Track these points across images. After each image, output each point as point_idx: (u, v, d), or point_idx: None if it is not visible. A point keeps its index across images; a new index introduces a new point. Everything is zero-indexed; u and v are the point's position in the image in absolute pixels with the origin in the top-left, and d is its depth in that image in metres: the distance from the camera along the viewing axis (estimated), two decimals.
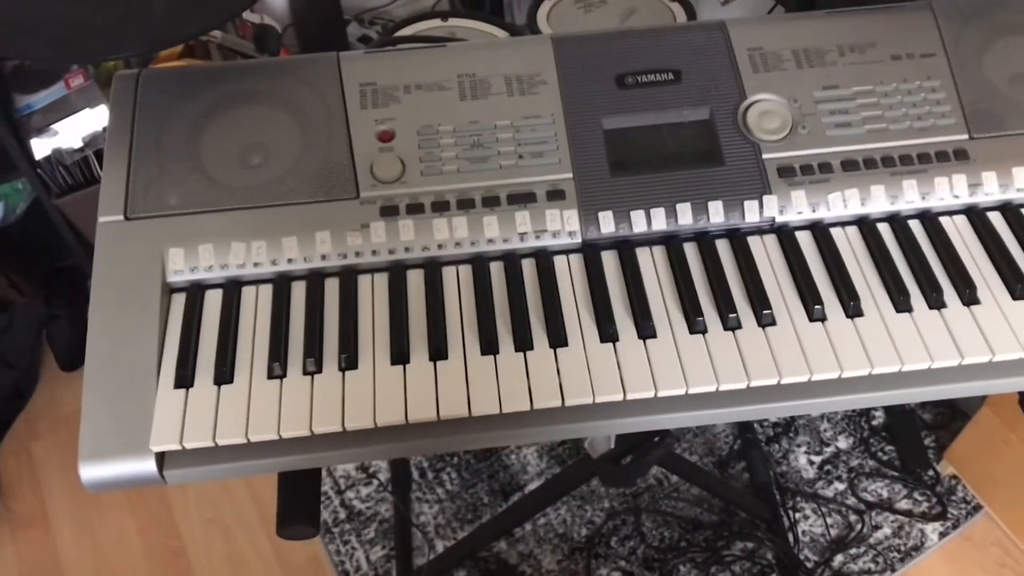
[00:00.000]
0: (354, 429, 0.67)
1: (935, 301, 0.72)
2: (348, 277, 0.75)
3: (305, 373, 0.70)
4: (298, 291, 0.74)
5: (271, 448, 0.68)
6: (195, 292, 0.74)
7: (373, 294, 0.74)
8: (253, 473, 0.69)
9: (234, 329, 0.73)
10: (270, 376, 0.70)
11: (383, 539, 1.60)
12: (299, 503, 0.72)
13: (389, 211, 0.75)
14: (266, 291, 0.75)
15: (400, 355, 0.70)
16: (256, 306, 0.74)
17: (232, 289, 0.75)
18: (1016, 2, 0.84)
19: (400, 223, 0.74)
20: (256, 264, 0.74)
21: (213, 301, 0.74)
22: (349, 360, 0.70)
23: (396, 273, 0.75)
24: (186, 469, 0.67)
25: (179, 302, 0.74)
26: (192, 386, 0.69)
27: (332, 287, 0.75)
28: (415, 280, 0.75)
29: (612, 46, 0.82)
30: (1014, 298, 0.72)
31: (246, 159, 0.77)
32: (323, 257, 0.74)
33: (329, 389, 0.69)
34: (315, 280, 0.75)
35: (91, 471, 0.66)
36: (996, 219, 0.77)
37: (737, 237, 0.76)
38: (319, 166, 0.77)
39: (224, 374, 0.70)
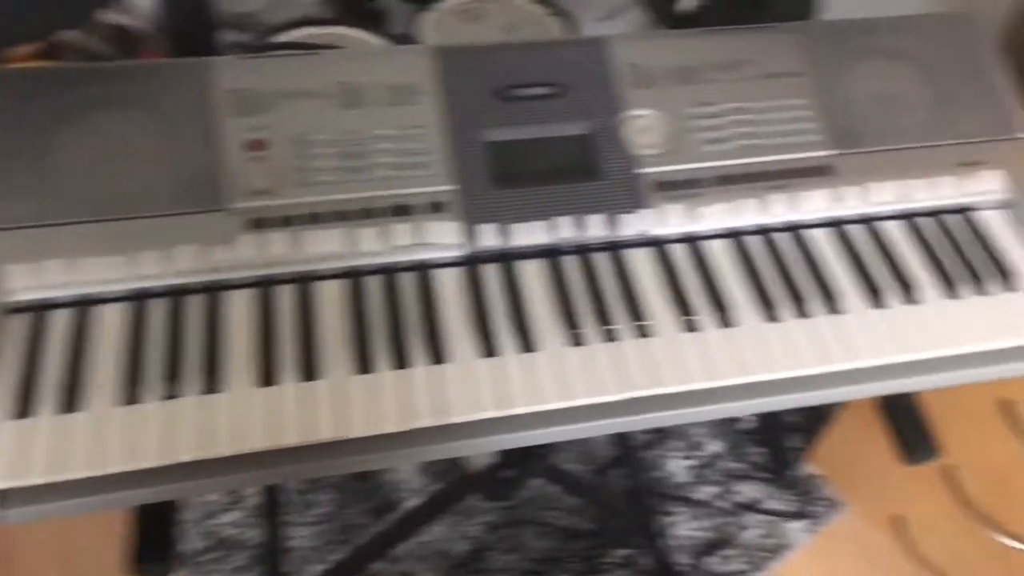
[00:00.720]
0: (218, 456, 0.63)
1: (802, 311, 0.75)
2: (212, 294, 0.70)
3: (164, 397, 0.65)
4: (157, 309, 0.70)
5: (126, 480, 0.62)
6: (39, 312, 0.68)
7: (240, 312, 0.70)
8: (106, 508, 0.63)
9: (84, 351, 0.67)
10: (123, 402, 0.65)
11: (252, 566, 1.53)
12: (153, 540, 0.67)
13: (259, 224, 0.71)
14: (122, 310, 0.69)
15: (268, 376, 0.67)
16: (110, 326, 0.69)
17: (83, 308, 0.69)
18: (874, 28, 0.88)
19: (270, 236, 0.71)
20: (110, 281, 0.69)
21: (60, 322, 0.68)
22: (212, 383, 0.66)
23: (265, 289, 0.71)
24: (30, 507, 0.61)
25: (20, 324, 0.68)
26: (35, 416, 0.63)
27: (195, 305, 0.70)
28: (286, 296, 0.71)
29: (494, 58, 0.81)
30: (874, 307, 0.76)
31: (102, 168, 0.72)
32: (185, 273, 0.70)
33: (190, 414, 0.65)
34: (176, 297, 0.70)
35: None
36: (857, 231, 0.81)
37: (615, 250, 0.77)
38: (183, 176, 0.72)
39: (72, 401, 0.64)
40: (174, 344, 0.68)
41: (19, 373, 0.65)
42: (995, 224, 0.83)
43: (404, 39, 1.06)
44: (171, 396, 0.65)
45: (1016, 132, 0.85)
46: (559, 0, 1.12)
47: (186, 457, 0.63)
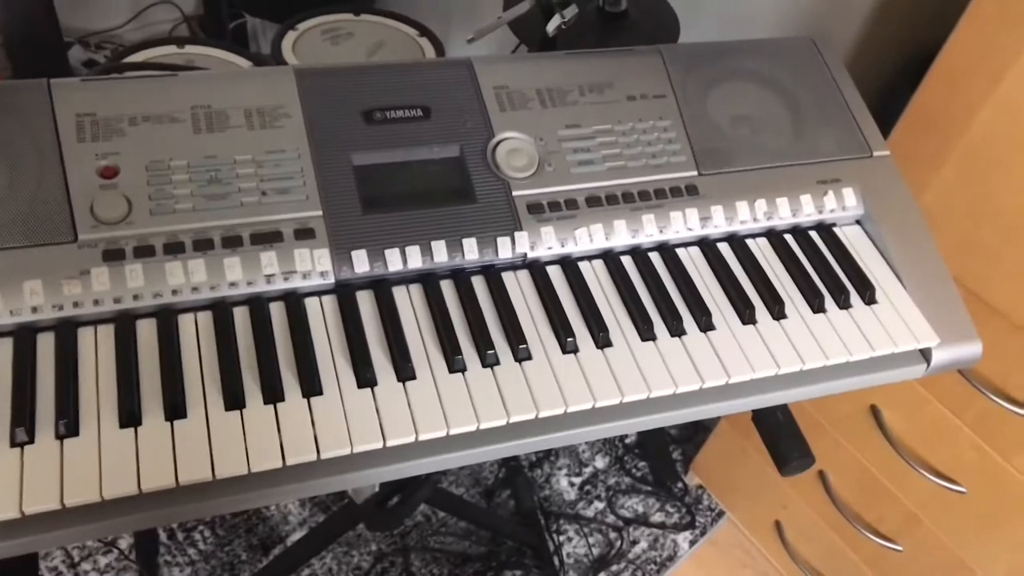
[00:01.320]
0: (76, 505, 0.59)
1: (676, 329, 0.76)
2: (65, 331, 0.66)
3: (13, 445, 0.60)
4: (3, 350, 0.64)
5: None
6: None
7: (97, 348, 0.66)
8: None
9: None
10: None
11: None
12: None
13: (113, 255, 0.67)
14: None
15: (130, 416, 0.62)
16: None
17: None
18: (729, 51, 0.91)
19: (127, 268, 0.67)
20: None
21: None
22: (68, 426, 0.61)
23: (123, 324, 0.67)
24: None
25: None
26: None
27: (46, 343, 0.65)
28: (146, 330, 0.67)
29: (359, 80, 0.79)
30: (743, 323, 0.78)
31: None
32: (34, 310, 0.65)
33: (45, 461, 0.60)
34: (24, 336, 0.65)
35: None
36: (724, 249, 0.83)
37: (492, 273, 0.76)
38: (27, 206, 0.67)
39: None
40: (23, 386, 0.62)
41: None
42: (853, 239, 0.87)
43: (268, 60, 1.03)
44: (23, 442, 0.60)
45: (870, 150, 0.89)
46: (426, 21, 1.11)
47: (41, 508, 0.58)
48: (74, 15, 2.05)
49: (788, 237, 0.85)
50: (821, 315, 0.80)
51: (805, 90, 0.91)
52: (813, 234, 0.86)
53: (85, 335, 0.66)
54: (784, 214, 0.84)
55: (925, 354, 0.81)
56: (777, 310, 0.79)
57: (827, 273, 0.82)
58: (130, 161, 0.71)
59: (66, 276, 0.66)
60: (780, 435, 0.82)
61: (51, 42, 1.50)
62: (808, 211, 0.85)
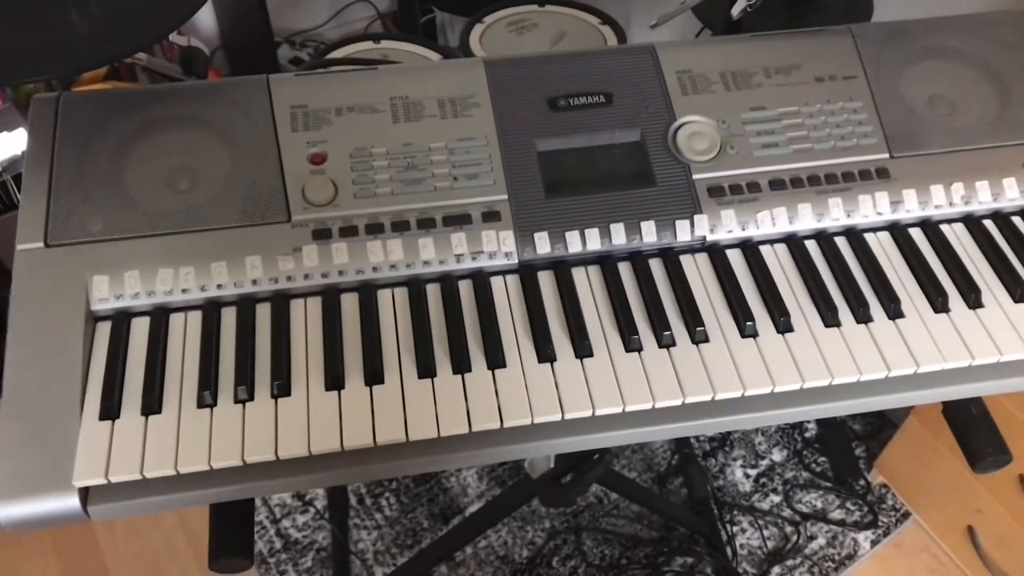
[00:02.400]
0: (288, 458, 0.66)
1: (862, 316, 0.74)
2: (280, 302, 0.73)
3: (236, 401, 0.68)
4: (228, 317, 0.73)
5: (202, 479, 0.66)
6: (121, 320, 0.72)
7: (306, 319, 0.73)
8: (183, 505, 0.66)
9: (162, 358, 0.71)
10: (200, 405, 0.68)
11: (321, 568, 1.57)
12: (232, 535, 0.70)
13: (321, 234, 0.74)
14: (195, 318, 0.73)
15: (335, 380, 0.69)
16: (185, 333, 0.72)
17: (159, 316, 0.72)
18: (928, 28, 0.87)
19: (333, 246, 0.73)
20: (184, 291, 0.72)
21: (140, 329, 0.72)
22: (281, 387, 0.68)
23: (329, 297, 0.73)
24: (112, 504, 0.64)
25: (104, 331, 0.71)
26: (118, 417, 0.67)
27: (263, 312, 0.73)
28: (349, 304, 0.74)
29: (544, 69, 0.82)
30: (936, 311, 0.75)
31: (173, 184, 0.76)
32: (254, 282, 0.73)
33: (261, 417, 0.67)
34: (246, 306, 0.73)
35: (9, 510, 0.63)
36: (917, 235, 0.80)
37: (670, 256, 0.77)
38: (249, 190, 0.75)
39: (152, 404, 0.68)
40: (245, 350, 0.71)
41: (105, 377, 0.69)
42: None
43: (456, 52, 1.08)
44: (244, 399, 0.68)
45: None
46: (608, 9, 1.13)
47: (258, 458, 0.65)
48: (282, 17, 2.22)
49: (988, 223, 0.81)
50: (1022, 304, 0.75)
51: (1011, 67, 0.85)
52: (1017, 220, 0.81)
53: (296, 306, 0.74)
54: (984, 199, 0.80)
55: None
56: (973, 299, 0.75)
57: None
58: (336, 148, 0.77)
59: (281, 253, 0.73)
60: (974, 430, 0.78)
61: (264, 42, 1.64)
62: (1012, 196, 0.80)
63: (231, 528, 0.71)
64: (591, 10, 1.15)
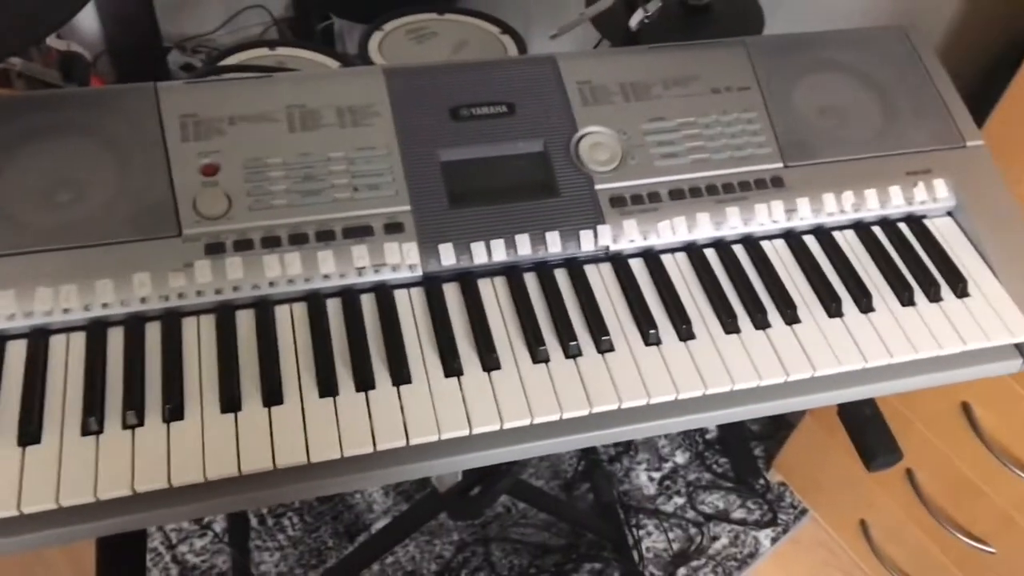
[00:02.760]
0: (182, 485, 0.62)
1: (760, 322, 0.76)
2: (171, 320, 0.70)
3: (125, 427, 0.64)
4: (115, 338, 0.69)
5: (88, 512, 0.61)
6: None
7: (199, 337, 0.69)
8: (68, 541, 0.62)
9: (41, 383, 0.66)
10: (85, 432, 0.63)
11: None
12: (121, 569, 0.66)
13: (215, 248, 0.71)
14: (78, 339, 0.68)
15: (231, 402, 0.66)
16: (67, 356, 0.68)
17: (38, 339, 0.68)
18: (817, 42, 0.90)
19: (227, 261, 0.70)
20: (66, 310, 0.68)
21: (16, 353, 0.67)
22: (174, 410, 0.65)
23: (224, 314, 0.70)
24: None
25: None
26: None
27: (153, 332, 0.69)
28: (245, 321, 0.70)
29: (446, 78, 0.81)
30: (830, 316, 0.77)
31: (52, 197, 0.71)
32: (142, 300, 0.69)
33: (153, 443, 0.64)
34: (134, 325, 0.69)
35: None
36: (811, 242, 0.82)
37: (574, 266, 0.77)
38: (136, 203, 0.71)
39: (30, 434, 0.63)
40: (134, 372, 0.67)
41: None
42: (945, 231, 0.85)
43: (355, 60, 1.06)
44: (134, 425, 0.64)
45: (963, 141, 0.87)
46: (508, 19, 1.13)
47: (149, 487, 0.62)
48: (171, 21, 2.14)
49: (876, 229, 0.84)
50: (910, 308, 0.78)
51: (895, 80, 0.89)
52: (902, 226, 0.84)
53: (189, 324, 0.70)
54: (872, 206, 0.83)
55: (1020, 349, 0.78)
56: (865, 303, 0.78)
57: (917, 265, 0.81)
58: (230, 159, 0.74)
59: (172, 269, 0.70)
60: (867, 430, 0.81)
61: (152, 48, 1.57)
62: (897, 203, 0.83)
63: (120, 561, 0.67)
64: (491, 19, 1.15)
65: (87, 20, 1.82)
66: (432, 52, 1.10)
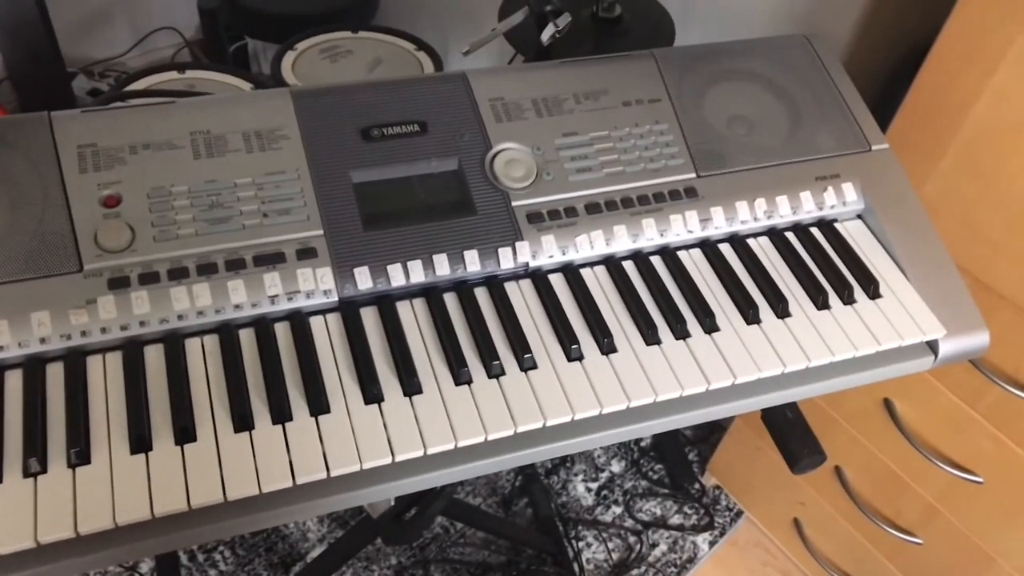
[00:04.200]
0: (91, 533, 0.59)
1: (680, 332, 0.76)
2: (74, 360, 0.66)
3: (27, 475, 0.61)
4: (14, 382, 0.65)
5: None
6: None
7: (105, 376, 0.66)
8: None
9: None
10: None
11: None
12: None
13: (119, 283, 0.68)
14: None
15: (140, 442, 0.63)
16: None
17: None
18: (724, 52, 0.91)
19: (132, 295, 0.68)
20: None
21: None
22: (80, 454, 0.62)
23: (131, 351, 0.67)
24: None
25: None
26: None
27: (56, 373, 0.66)
28: (154, 356, 0.68)
29: (355, 98, 0.80)
30: (748, 323, 0.78)
31: None
32: (42, 340, 0.66)
33: (57, 490, 0.60)
34: (34, 367, 0.66)
35: None
36: (726, 250, 0.83)
37: (495, 284, 0.76)
38: (32, 239, 0.68)
39: None
40: (35, 416, 0.63)
41: None
42: (855, 233, 0.87)
43: (269, 80, 1.03)
44: (36, 472, 0.61)
45: (868, 145, 0.89)
46: (424, 35, 1.12)
47: (55, 537, 0.59)
48: (77, 45, 2.07)
49: (789, 235, 0.85)
50: (825, 312, 0.79)
51: (801, 87, 0.91)
52: (814, 231, 0.86)
53: (94, 363, 0.67)
54: (784, 212, 0.84)
55: (932, 346, 0.80)
56: (781, 308, 0.79)
57: (830, 269, 0.82)
58: (132, 189, 0.72)
59: (73, 306, 0.67)
60: (789, 434, 0.82)
61: (54, 73, 1.52)
62: (808, 208, 0.85)
63: None
64: (407, 36, 1.14)
65: None
66: (347, 71, 1.08)
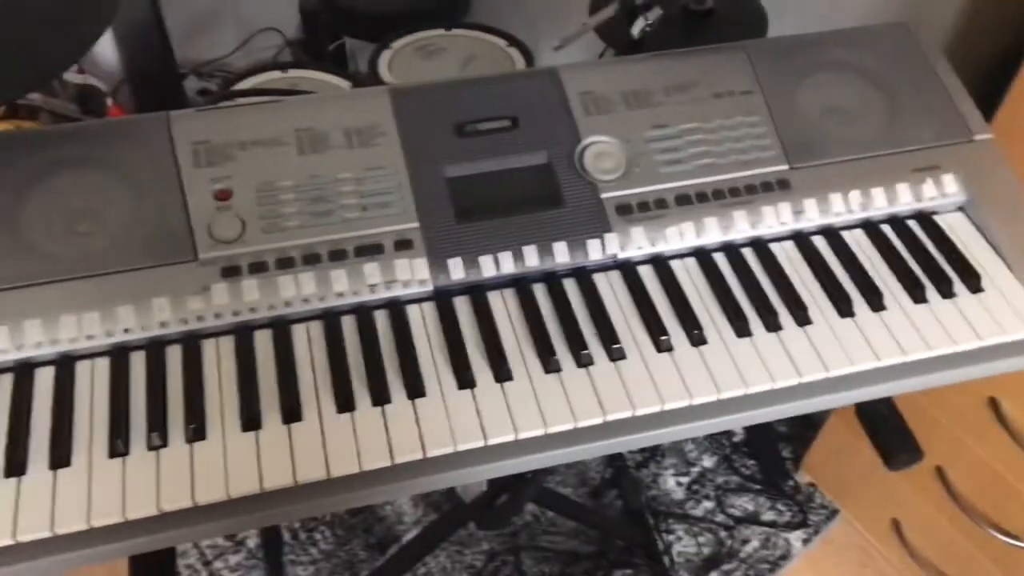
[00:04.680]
0: (207, 503, 0.64)
1: (771, 324, 0.76)
2: (191, 343, 0.71)
3: (150, 448, 0.66)
4: (138, 362, 0.71)
5: (117, 532, 0.63)
6: (23, 372, 0.69)
7: (219, 359, 0.71)
8: (99, 561, 0.64)
9: (69, 408, 0.68)
10: (112, 454, 0.65)
11: None
12: None
13: (231, 272, 0.72)
14: (103, 365, 0.70)
15: (251, 420, 0.67)
16: (93, 381, 0.70)
17: (65, 365, 0.70)
18: (817, 43, 0.90)
19: (243, 283, 0.72)
20: (89, 337, 0.70)
21: (44, 380, 0.69)
22: (197, 431, 0.67)
23: (242, 335, 0.72)
24: (23, 564, 0.61)
25: (5, 384, 0.69)
26: (25, 473, 0.64)
27: (174, 355, 0.71)
28: (263, 341, 0.72)
29: (449, 95, 0.83)
30: (841, 316, 0.77)
31: (73, 227, 0.73)
32: (162, 324, 0.71)
33: (177, 463, 0.65)
34: (155, 349, 0.71)
35: None
36: (819, 242, 0.82)
37: (583, 275, 0.78)
38: (153, 230, 0.73)
39: (61, 457, 0.65)
40: (157, 395, 0.69)
41: (9, 432, 0.66)
42: (956, 226, 0.85)
43: (366, 78, 1.07)
44: (158, 446, 0.66)
45: (970, 135, 0.87)
46: (515, 31, 1.14)
47: (175, 506, 0.63)
48: (187, 47, 2.17)
49: (885, 227, 0.84)
50: (923, 305, 0.78)
51: (899, 77, 0.89)
52: (912, 223, 0.84)
53: (208, 347, 0.72)
54: (880, 204, 0.83)
55: None
56: (876, 302, 0.77)
57: (927, 262, 0.81)
58: (242, 184, 0.76)
59: (190, 292, 0.72)
60: (885, 429, 0.81)
61: (168, 75, 1.60)
62: (905, 200, 0.83)
63: None
64: (498, 32, 1.16)
65: (106, 51, 1.86)
66: (440, 68, 1.11)
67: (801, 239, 0.82)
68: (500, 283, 0.77)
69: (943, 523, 1.46)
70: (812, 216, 0.82)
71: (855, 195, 0.82)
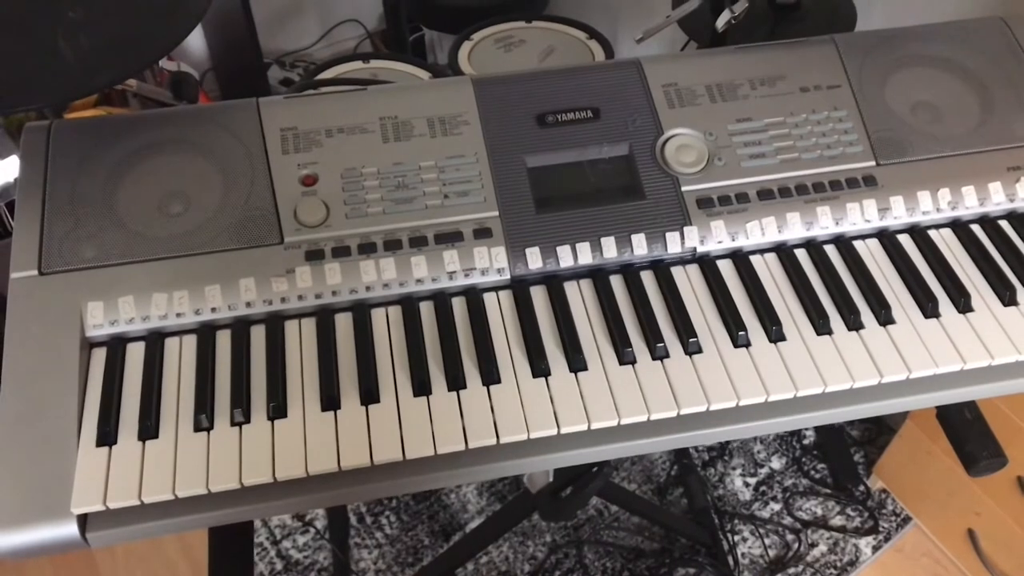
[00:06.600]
0: (285, 479, 0.66)
1: (853, 323, 0.74)
2: (274, 323, 0.74)
3: (233, 424, 0.68)
4: (223, 340, 0.73)
5: (200, 503, 0.66)
6: (116, 346, 0.72)
7: (301, 340, 0.73)
8: (182, 530, 0.66)
9: (158, 382, 0.71)
10: (197, 429, 0.68)
11: None
12: (231, 559, 0.70)
13: (314, 255, 0.74)
14: (190, 341, 0.73)
15: (330, 401, 0.69)
16: (180, 357, 0.72)
17: (155, 341, 0.73)
18: (910, 37, 0.88)
19: (326, 267, 0.74)
20: (179, 314, 0.72)
21: (135, 354, 0.72)
22: (278, 409, 0.69)
23: (324, 317, 0.74)
24: (111, 530, 0.65)
25: (99, 357, 0.72)
26: (115, 443, 0.67)
27: (258, 334, 0.73)
28: (343, 323, 0.74)
29: (531, 86, 0.83)
30: (926, 317, 0.75)
31: (165, 208, 0.76)
32: (248, 304, 0.73)
33: (258, 439, 0.67)
34: (240, 328, 0.73)
35: (9, 539, 0.63)
36: (905, 241, 0.80)
37: (661, 268, 0.78)
38: (241, 213, 0.76)
39: (149, 429, 0.68)
40: (240, 373, 0.71)
41: (101, 403, 0.69)
42: None
43: (445, 70, 1.08)
44: (240, 422, 0.68)
45: None
46: (595, 24, 1.14)
47: (256, 480, 0.66)
48: (271, 37, 2.23)
49: (975, 227, 0.81)
50: (1013, 308, 0.75)
51: (994, 72, 0.86)
52: (1004, 224, 0.82)
53: (291, 327, 0.74)
54: (970, 203, 0.80)
55: None
56: (963, 303, 0.75)
57: (1019, 264, 0.78)
58: (327, 169, 0.78)
59: (275, 274, 0.74)
60: (967, 433, 0.79)
61: (253, 64, 1.65)
62: (998, 199, 0.81)
63: (230, 551, 0.71)
64: (578, 25, 1.16)
65: (194, 40, 1.93)
66: (520, 60, 1.12)
67: (886, 237, 0.80)
68: (577, 273, 0.77)
69: (1022, 535, 1.41)
70: (899, 214, 0.80)
71: (944, 193, 0.80)
